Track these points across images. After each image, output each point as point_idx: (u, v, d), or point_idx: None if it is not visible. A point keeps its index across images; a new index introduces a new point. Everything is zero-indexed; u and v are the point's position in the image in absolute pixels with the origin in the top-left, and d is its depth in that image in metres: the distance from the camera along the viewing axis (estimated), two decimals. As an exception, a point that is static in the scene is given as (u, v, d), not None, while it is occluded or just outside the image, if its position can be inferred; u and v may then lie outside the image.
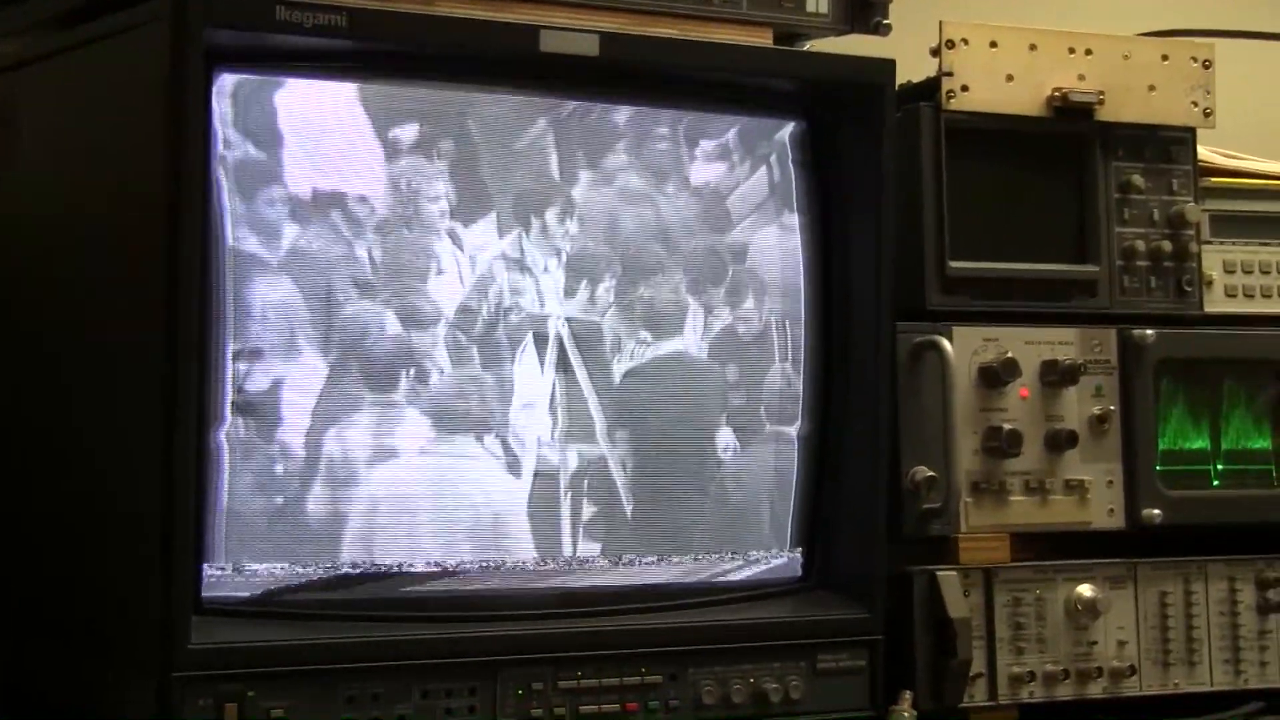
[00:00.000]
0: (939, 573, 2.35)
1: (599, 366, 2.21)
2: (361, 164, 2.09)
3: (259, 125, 2.04)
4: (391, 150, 2.10)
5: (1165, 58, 2.54)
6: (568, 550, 2.20)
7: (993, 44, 2.45)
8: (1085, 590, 2.44)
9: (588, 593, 2.20)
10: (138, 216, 2.02)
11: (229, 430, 2.03)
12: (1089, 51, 2.50)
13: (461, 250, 2.14)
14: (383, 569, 2.11)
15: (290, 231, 2.05)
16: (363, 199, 2.09)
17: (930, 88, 2.43)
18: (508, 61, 2.16)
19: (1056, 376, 2.45)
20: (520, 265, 2.16)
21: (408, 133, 2.11)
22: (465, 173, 2.14)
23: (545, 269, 2.17)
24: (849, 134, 2.32)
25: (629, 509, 2.23)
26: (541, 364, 2.17)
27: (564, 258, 2.18)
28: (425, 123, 2.12)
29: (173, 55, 1.98)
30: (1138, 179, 2.53)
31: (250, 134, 2.04)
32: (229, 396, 2.03)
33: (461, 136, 2.14)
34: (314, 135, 2.07)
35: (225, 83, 2.03)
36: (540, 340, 2.17)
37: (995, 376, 2.42)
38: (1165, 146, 2.55)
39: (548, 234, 2.18)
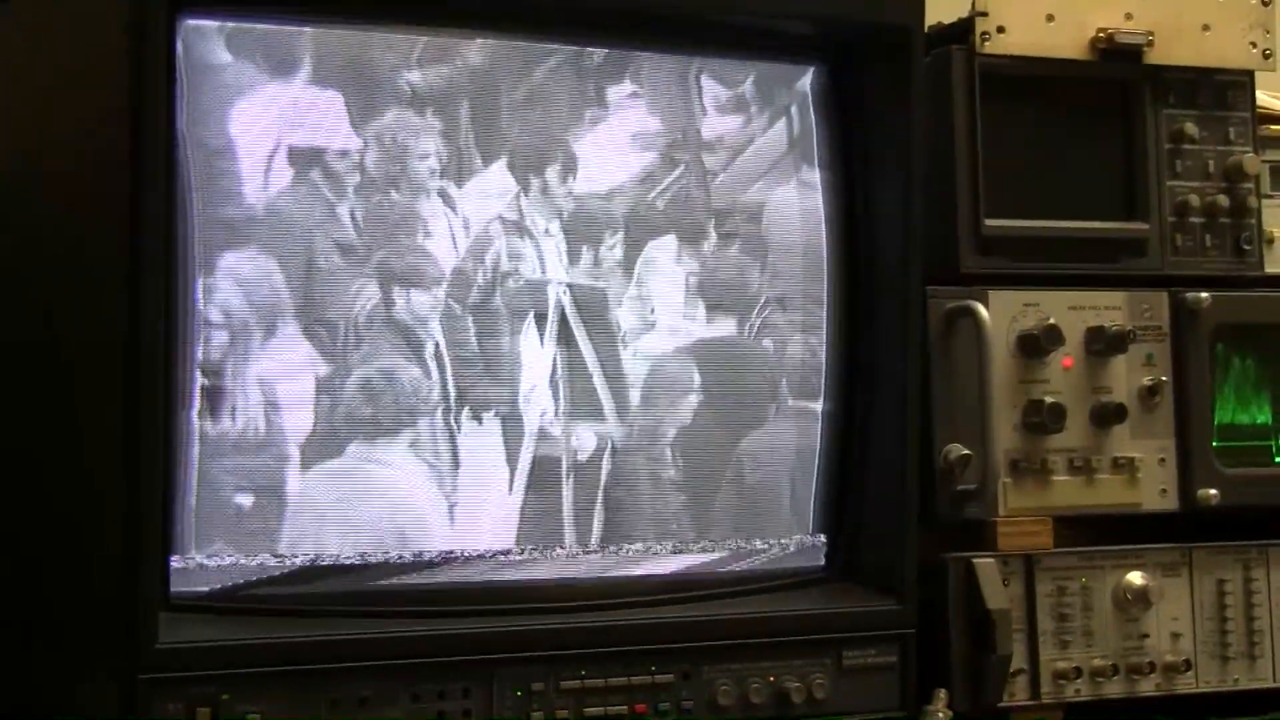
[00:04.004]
0: (975, 560, 2.35)
1: (604, 339, 2.20)
2: (342, 117, 2.08)
3: (229, 74, 2.03)
4: (375, 102, 2.10)
5: (1221, -6, 2.50)
6: (570, 538, 2.20)
7: (1031, -19, 2.43)
8: (1135, 578, 2.43)
9: (592, 584, 2.20)
10: (98, 174, 2.02)
11: (199, 411, 2.03)
12: (1137, -13, 2.47)
13: (454, 212, 2.13)
14: (367, 559, 2.11)
15: (265, 193, 2.05)
16: (344, 154, 2.08)
17: (963, 29, 2.43)
18: (500, 3, 2.16)
19: (1103, 345, 2.45)
20: (519, 228, 2.16)
21: (392, 83, 2.10)
22: (456, 127, 2.13)
23: (546, 231, 2.17)
24: (874, 81, 2.31)
25: (637, 493, 2.23)
26: (541, 336, 2.17)
27: (565, 219, 2.18)
28: (411, 72, 2.11)
29: (133, -3, 1.98)
30: (1191, 127, 2.52)
31: (221, 84, 2.03)
32: (198, 375, 2.03)
33: (452, 87, 2.13)
34: (289, 85, 2.06)
35: (191, 28, 2.02)
36: (540, 310, 2.17)
37: (1036, 345, 2.41)
38: (1221, 91, 2.54)
39: (548, 193, 2.17)
